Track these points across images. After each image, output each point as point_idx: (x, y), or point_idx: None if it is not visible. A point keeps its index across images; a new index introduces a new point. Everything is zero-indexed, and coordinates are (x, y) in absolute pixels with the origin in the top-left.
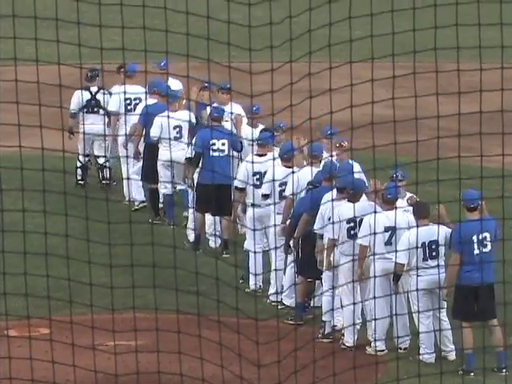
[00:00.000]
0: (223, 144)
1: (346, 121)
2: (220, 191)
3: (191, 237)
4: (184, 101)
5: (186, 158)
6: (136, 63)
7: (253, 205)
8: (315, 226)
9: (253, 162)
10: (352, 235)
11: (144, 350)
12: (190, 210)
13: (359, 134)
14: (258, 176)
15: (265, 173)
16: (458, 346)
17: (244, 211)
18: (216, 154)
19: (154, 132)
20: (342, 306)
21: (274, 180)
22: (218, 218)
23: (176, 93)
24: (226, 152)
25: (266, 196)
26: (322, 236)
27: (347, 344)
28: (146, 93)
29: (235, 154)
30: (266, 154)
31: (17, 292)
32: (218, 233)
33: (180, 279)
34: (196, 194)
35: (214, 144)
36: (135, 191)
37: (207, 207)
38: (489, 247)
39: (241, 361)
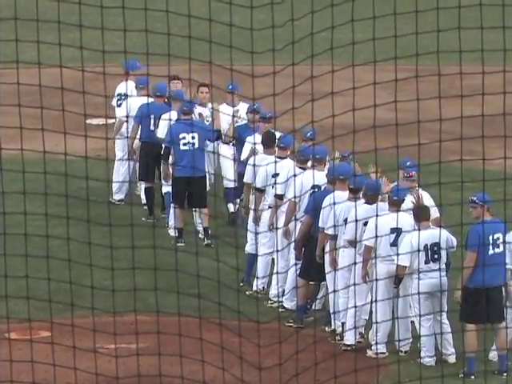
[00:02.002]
0: (193, 137)
1: (347, 124)
2: (193, 184)
3: (171, 231)
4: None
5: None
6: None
7: (269, 207)
8: (326, 227)
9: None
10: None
11: (145, 352)
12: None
13: (361, 137)
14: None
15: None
16: (460, 349)
17: (254, 217)
18: (186, 147)
19: (161, 133)
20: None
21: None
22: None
23: (179, 93)
24: (197, 145)
25: (279, 196)
26: (333, 237)
27: (347, 342)
28: (147, 96)
29: (210, 146)
30: (286, 157)
31: (18, 295)
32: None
33: (181, 282)
34: (171, 187)
35: (183, 137)
36: (119, 190)
37: (182, 200)
38: (501, 248)
39: (242, 363)
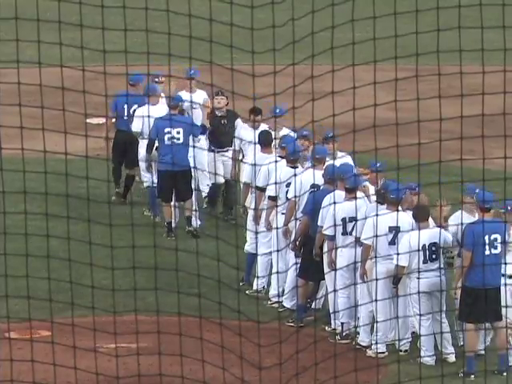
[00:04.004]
0: (178, 132)
1: (346, 123)
2: (178, 178)
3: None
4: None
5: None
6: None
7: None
8: (324, 227)
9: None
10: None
11: (145, 352)
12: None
13: (360, 137)
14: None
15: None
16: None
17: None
18: (170, 142)
19: (136, 127)
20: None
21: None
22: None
23: (154, 87)
24: (182, 140)
25: (272, 198)
26: (331, 237)
27: (362, 344)
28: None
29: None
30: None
31: (18, 294)
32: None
33: (181, 281)
34: (157, 182)
35: (169, 132)
36: None
37: (168, 196)
38: (498, 249)
39: (242, 363)
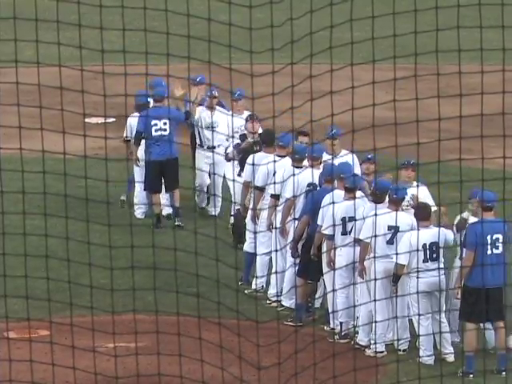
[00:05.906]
0: (165, 123)
1: (345, 123)
2: (166, 166)
3: (138, 212)
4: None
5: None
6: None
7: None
8: (324, 227)
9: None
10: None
11: (144, 351)
12: (137, 186)
13: (359, 136)
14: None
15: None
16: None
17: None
18: (158, 133)
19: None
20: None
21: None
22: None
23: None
24: (169, 130)
25: (275, 196)
26: (330, 237)
27: (361, 343)
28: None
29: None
30: (285, 156)
31: (17, 294)
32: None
33: (180, 281)
34: (145, 172)
35: (155, 124)
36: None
37: (157, 186)
38: (500, 249)
39: (241, 362)
